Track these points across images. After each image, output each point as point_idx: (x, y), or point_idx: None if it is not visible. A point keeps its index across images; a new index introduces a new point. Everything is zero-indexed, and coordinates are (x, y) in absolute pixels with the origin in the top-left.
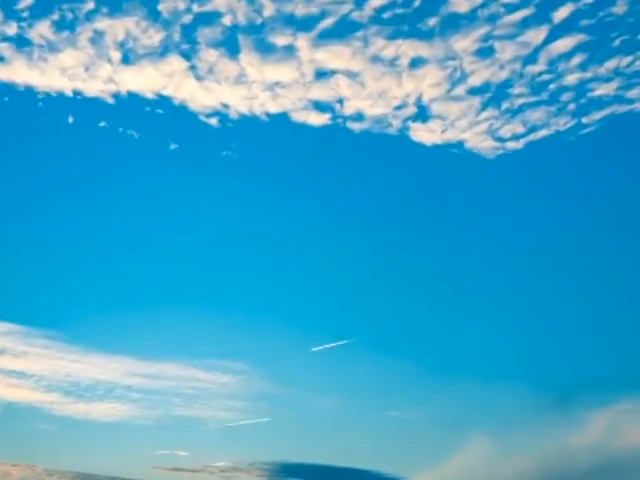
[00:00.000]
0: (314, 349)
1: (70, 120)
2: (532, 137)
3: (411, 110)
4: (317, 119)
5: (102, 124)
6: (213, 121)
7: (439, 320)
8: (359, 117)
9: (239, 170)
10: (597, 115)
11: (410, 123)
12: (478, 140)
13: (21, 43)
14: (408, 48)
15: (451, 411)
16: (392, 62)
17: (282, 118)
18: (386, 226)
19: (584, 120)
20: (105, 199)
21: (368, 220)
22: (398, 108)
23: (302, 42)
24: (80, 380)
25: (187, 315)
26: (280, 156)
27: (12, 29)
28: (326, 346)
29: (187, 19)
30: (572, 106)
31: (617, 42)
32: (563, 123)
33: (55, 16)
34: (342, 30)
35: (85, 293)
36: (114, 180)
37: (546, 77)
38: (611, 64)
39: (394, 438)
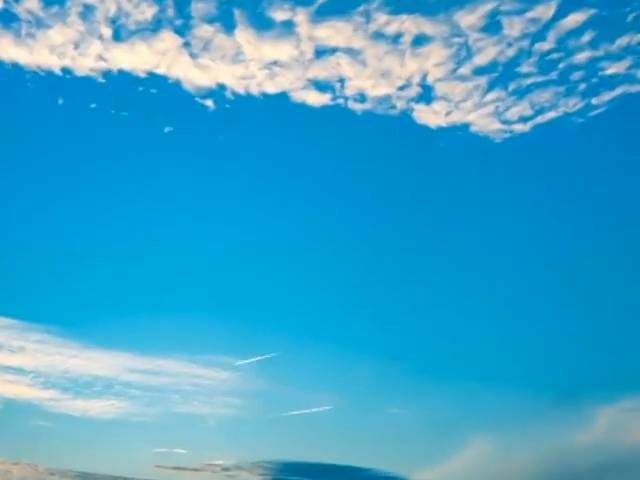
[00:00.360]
0: (237, 363)
1: (60, 102)
2: (540, 119)
3: (415, 90)
4: (317, 99)
5: (93, 105)
6: (209, 102)
7: (441, 321)
8: (361, 97)
9: (236, 155)
10: (607, 96)
11: (414, 104)
12: (484, 122)
13: (7, 19)
14: (411, 24)
15: (454, 411)
16: (395, 39)
17: (280, 98)
18: (386, 219)
19: (594, 101)
20: (99, 191)
21: (368, 212)
22: (401, 88)
23: (301, 17)
24: (78, 376)
25: (186, 309)
26: (278, 138)
27: None
28: (252, 359)
29: None
30: (582, 86)
31: (630, 18)
32: (572, 104)
33: None
34: (343, 4)
35: (82, 287)
36: (107, 167)
37: (555, 56)
38: (623, 41)
39: (395, 437)
